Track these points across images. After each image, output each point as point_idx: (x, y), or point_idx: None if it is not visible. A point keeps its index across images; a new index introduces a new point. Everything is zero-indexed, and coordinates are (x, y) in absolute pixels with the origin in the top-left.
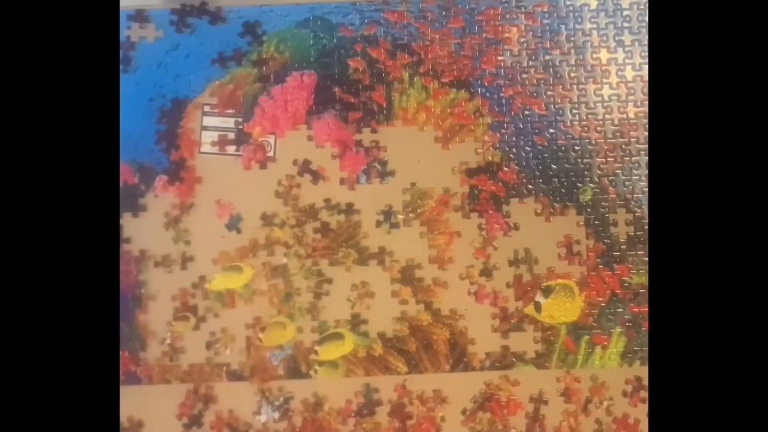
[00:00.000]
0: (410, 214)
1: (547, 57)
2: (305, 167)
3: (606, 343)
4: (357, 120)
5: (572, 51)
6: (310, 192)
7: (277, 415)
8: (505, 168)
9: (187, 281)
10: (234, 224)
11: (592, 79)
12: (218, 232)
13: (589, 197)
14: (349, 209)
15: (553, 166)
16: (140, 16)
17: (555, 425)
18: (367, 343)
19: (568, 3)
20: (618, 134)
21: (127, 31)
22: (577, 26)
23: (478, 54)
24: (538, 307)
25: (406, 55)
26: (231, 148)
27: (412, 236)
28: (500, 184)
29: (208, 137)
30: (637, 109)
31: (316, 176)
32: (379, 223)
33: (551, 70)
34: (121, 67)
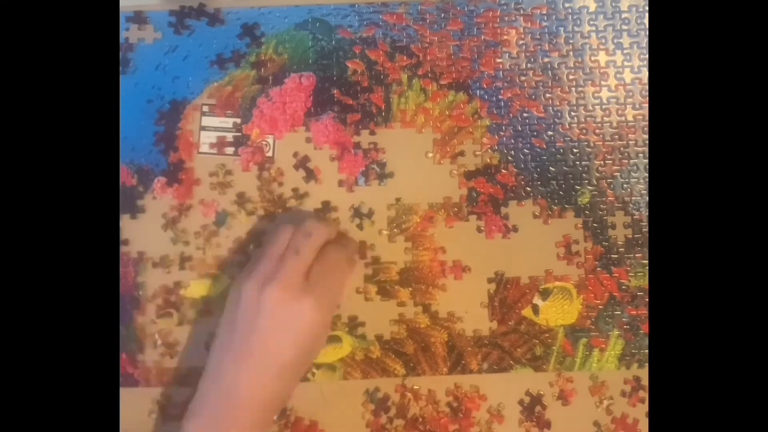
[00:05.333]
0: (395, 230)
1: (546, 59)
2: (302, 163)
3: (604, 345)
4: (355, 122)
5: (571, 53)
6: (292, 185)
7: (275, 415)
8: (503, 170)
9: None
10: (221, 221)
11: (590, 82)
12: (212, 232)
13: (587, 200)
14: (326, 207)
15: (552, 169)
16: (138, 18)
17: None
18: (365, 346)
19: (566, 5)
20: (616, 137)
21: (126, 33)
22: (576, 29)
23: (477, 56)
24: (536, 310)
25: (405, 57)
26: (229, 150)
27: (396, 250)
28: (498, 186)
29: (206, 139)
30: (635, 111)
31: (310, 175)
32: (361, 226)
33: (549, 72)
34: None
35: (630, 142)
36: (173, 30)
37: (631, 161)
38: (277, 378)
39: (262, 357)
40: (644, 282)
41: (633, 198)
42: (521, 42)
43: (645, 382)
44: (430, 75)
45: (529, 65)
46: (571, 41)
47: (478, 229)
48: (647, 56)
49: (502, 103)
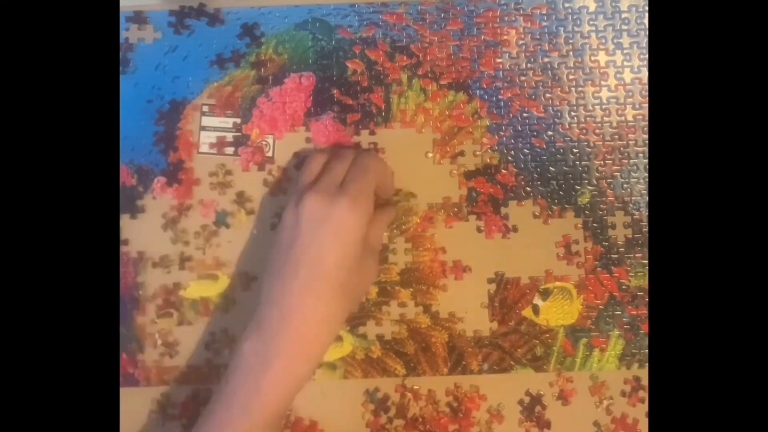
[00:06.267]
0: (395, 230)
1: (546, 59)
2: (302, 163)
3: (604, 345)
4: (355, 122)
5: (570, 53)
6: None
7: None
8: (503, 170)
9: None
10: (221, 220)
11: (590, 82)
12: (212, 232)
13: (587, 200)
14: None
15: (552, 169)
16: (138, 18)
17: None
18: (366, 345)
19: (566, 5)
20: (616, 137)
21: (125, 33)
22: (576, 29)
23: (477, 56)
24: (536, 310)
25: (405, 57)
26: (229, 150)
27: (397, 251)
28: (498, 186)
29: (206, 139)
30: (635, 111)
31: None
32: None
33: (549, 72)
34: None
35: (630, 142)
36: (173, 30)
37: (631, 161)
38: (327, 291)
39: (307, 268)
40: (644, 282)
41: (633, 198)
42: (521, 42)
43: (645, 382)
44: (430, 75)
45: (529, 65)
46: (571, 41)
47: (478, 229)
48: (647, 56)
49: (502, 103)
